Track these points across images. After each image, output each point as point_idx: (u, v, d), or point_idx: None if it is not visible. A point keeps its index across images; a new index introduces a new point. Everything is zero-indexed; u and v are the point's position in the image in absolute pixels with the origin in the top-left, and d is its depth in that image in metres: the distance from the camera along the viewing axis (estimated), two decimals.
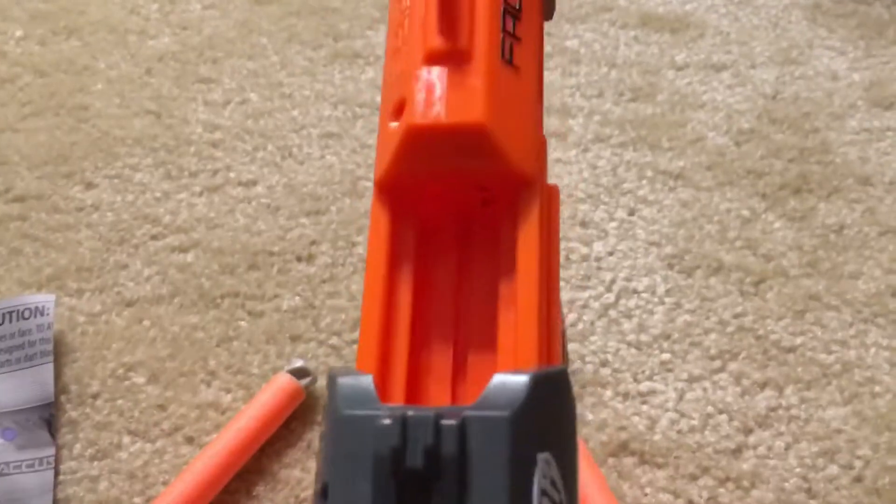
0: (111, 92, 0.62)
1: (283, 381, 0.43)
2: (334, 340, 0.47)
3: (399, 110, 0.21)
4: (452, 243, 0.22)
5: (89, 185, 0.55)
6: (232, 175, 0.56)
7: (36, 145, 0.58)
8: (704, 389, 0.45)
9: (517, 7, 0.21)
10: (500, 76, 0.21)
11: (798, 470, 0.42)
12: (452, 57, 0.20)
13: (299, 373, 0.44)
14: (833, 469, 0.42)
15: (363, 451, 0.16)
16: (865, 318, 0.48)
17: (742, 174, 0.56)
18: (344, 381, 0.17)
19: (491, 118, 0.20)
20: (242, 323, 0.48)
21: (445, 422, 0.16)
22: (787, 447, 0.43)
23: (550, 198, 0.21)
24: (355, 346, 0.47)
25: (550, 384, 0.17)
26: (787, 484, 0.42)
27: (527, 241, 0.20)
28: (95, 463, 0.43)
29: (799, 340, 0.47)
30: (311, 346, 0.47)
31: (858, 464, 0.42)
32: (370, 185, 0.55)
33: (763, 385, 0.45)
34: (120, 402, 0.45)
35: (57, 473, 0.42)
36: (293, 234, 0.52)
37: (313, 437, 0.43)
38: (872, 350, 0.47)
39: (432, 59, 0.20)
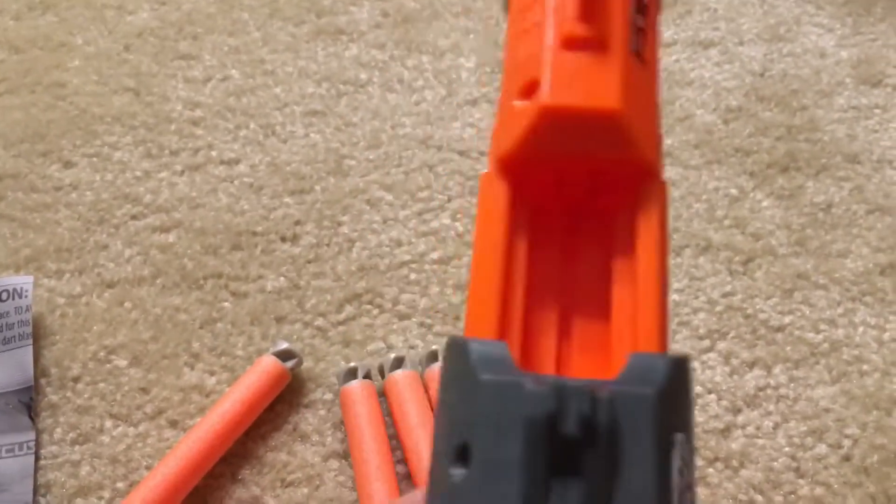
0: (89, 68, 0.60)
1: (268, 364, 0.43)
2: (320, 322, 0.46)
3: (529, 91, 0.21)
4: (559, 227, 0.23)
5: (67, 164, 0.54)
6: (214, 154, 0.55)
7: (11, 123, 0.56)
8: (693, 369, 0.45)
9: (644, 2, 0.22)
10: (631, 67, 0.21)
11: (787, 449, 0.42)
12: (589, 44, 0.21)
13: (284, 355, 0.43)
14: (821, 448, 0.42)
15: (512, 416, 0.17)
16: (853, 297, 0.48)
17: (730, 152, 0.55)
18: (476, 346, 0.18)
19: (625, 106, 0.20)
20: (226, 304, 0.47)
21: (600, 393, 0.17)
22: (776, 426, 0.43)
23: (665, 192, 0.22)
24: (341, 328, 0.46)
25: (682, 367, 0.18)
26: (775, 463, 0.42)
27: (648, 228, 0.21)
28: (77, 447, 0.42)
29: (787, 319, 0.47)
30: (297, 327, 0.46)
31: (847, 443, 0.42)
32: (355, 163, 0.54)
33: (752, 364, 0.45)
34: (101, 385, 0.44)
35: (37, 458, 0.41)
36: (277, 213, 0.51)
37: (299, 420, 0.43)
38: (860, 329, 0.47)
39: (569, 44, 0.21)
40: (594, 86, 0.20)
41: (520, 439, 0.16)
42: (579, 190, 0.22)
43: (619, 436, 0.17)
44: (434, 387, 0.42)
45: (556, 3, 0.21)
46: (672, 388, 0.17)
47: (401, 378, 0.42)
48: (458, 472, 0.17)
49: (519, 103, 0.21)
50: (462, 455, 0.17)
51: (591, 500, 0.16)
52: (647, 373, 0.17)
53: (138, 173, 0.54)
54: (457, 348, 0.18)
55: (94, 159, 0.54)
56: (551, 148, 0.21)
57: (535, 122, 0.20)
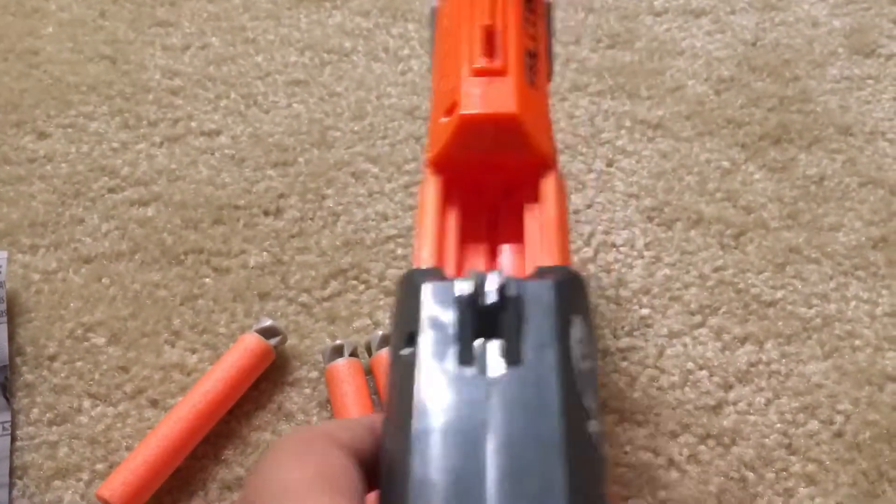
0: (63, 35, 0.58)
1: (251, 341, 0.41)
2: (304, 298, 0.45)
3: (451, 110, 0.28)
4: (484, 219, 0.30)
5: (41, 135, 0.52)
6: (193, 124, 0.53)
7: None
8: (685, 345, 0.44)
9: (534, 52, 0.32)
10: (526, 88, 0.29)
11: (778, 426, 0.42)
12: (492, 72, 0.29)
13: (268, 332, 0.42)
14: (813, 424, 0.42)
15: (444, 299, 0.22)
16: (846, 271, 0.47)
17: (722, 124, 0.54)
18: (417, 271, 0.25)
19: (521, 112, 0.28)
20: (207, 280, 0.46)
21: (510, 276, 0.22)
22: (768, 403, 0.42)
23: (562, 182, 0.30)
24: (326, 304, 0.45)
25: (575, 275, 0.24)
26: (767, 440, 0.41)
27: (548, 196, 0.28)
28: (54, 428, 0.41)
29: (779, 294, 0.46)
30: (280, 303, 0.45)
31: (839, 419, 0.42)
32: (339, 134, 0.53)
33: (743, 340, 0.45)
34: (79, 364, 0.43)
35: (14, 439, 0.40)
36: (259, 186, 0.50)
37: (283, 398, 0.42)
38: (853, 303, 0.46)
39: (477, 73, 0.29)
40: (496, 99, 0.28)
41: (453, 314, 0.22)
42: (496, 192, 0.30)
43: (525, 305, 0.22)
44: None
45: (468, 47, 0.30)
46: (566, 284, 0.23)
47: (388, 356, 0.41)
48: (406, 352, 0.22)
49: (444, 119, 0.29)
50: (410, 340, 0.22)
51: (507, 351, 0.21)
52: (548, 273, 0.23)
53: (115, 145, 0.52)
54: (405, 276, 0.24)
55: (70, 130, 0.53)
56: (469, 147, 0.28)
57: (456, 129, 0.28)
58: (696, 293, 0.46)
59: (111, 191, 0.50)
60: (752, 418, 0.42)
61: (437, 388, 0.21)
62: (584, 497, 0.19)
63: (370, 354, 0.42)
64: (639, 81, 0.56)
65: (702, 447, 0.41)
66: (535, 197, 0.29)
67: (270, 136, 0.53)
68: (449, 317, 0.22)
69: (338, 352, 0.41)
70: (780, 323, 0.45)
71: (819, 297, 0.46)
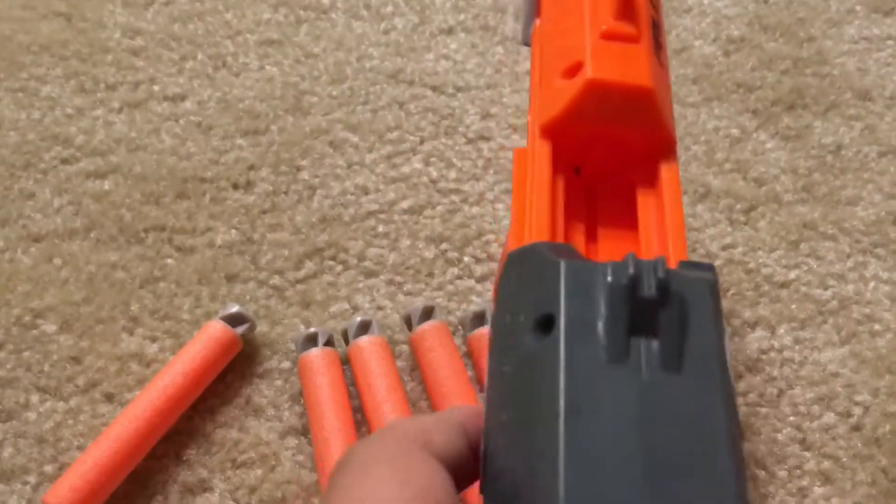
0: None
1: (216, 329, 0.38)
2: (276, 280, 0.41)
3: (573, 72, 0.26)
4: (583, 193, 0.28)
5: None
6: (156, 88, 0.49)
7: None
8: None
9: (657, 22, 0.29)
10: (654, 56, 0.27)
11: (791, 419, 0.38)
12: (625, 38, 0.26)
13: (235, 319, 0.38)
14: (829, 417, 0.38)
15: (596, 284, 0.19)
16: (864, 249, 0.44)
17: (731, 88, 0.50)
18: (546, 246, 0.22)
19: (655, 87, 0.25)
20: (170, 261, 0.42)
21: (670, 267, 0.20)
22: (780, 393, 0.39)
23: (678, 171, 0.28)
24: (300, 287, 0.41)
25: (717, 278, 0.21)
26: (779, 434, 0.38)
27: (670, 180, 0.26)
28: None
29: (793, 274, 0.43)
30: (250, 286, 0.41)
31: (857, 411, 0.39)
32: (317, 100, 0.49)
33: (754, 325, 0.41)
34: (27, 354, 0.39)
35: None
36: (228, 157, 0.46)
37: (252, 391, 0.38)
38: (872, 284, 0.43)
39: (608, 37, 0.26)
40: (630, 68, 0.25)
41: (603, 302, 0.19)
42: (601, 170, 0.27)
43: (686, 305, 0.19)
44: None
45: (594, 6, 0.27)
46: (717, 286, 0.21)
47: (366, 345, 0.37)
48: (539, 338, 0.19)
49: (562, 81, 0.26)
50: (545, 324, 0.19)
51: (666, 353, 0.18)
52: (700, 271, 0.21)
53: (70, 111, 0.48)
54: (529, 252, 0.22)
55: (20, 94, 0.48)
56: (591, 115, 0.25)
57: (581, 93, 0.25)
58: None
59: (64, 162, 0.45)
60: (763, 411, 0.38)
61: (586, 385, 0.18)
62: None
63: (347, 343, 0.38)
64: None
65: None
66: (650, 181, 0.26)
67: (240, 101, 0.48)
68: (598, 305, 0.19)
69: (312, 340, 0.38)
70: (793, 306, 0.42)
71: (835, 278, 0.43)
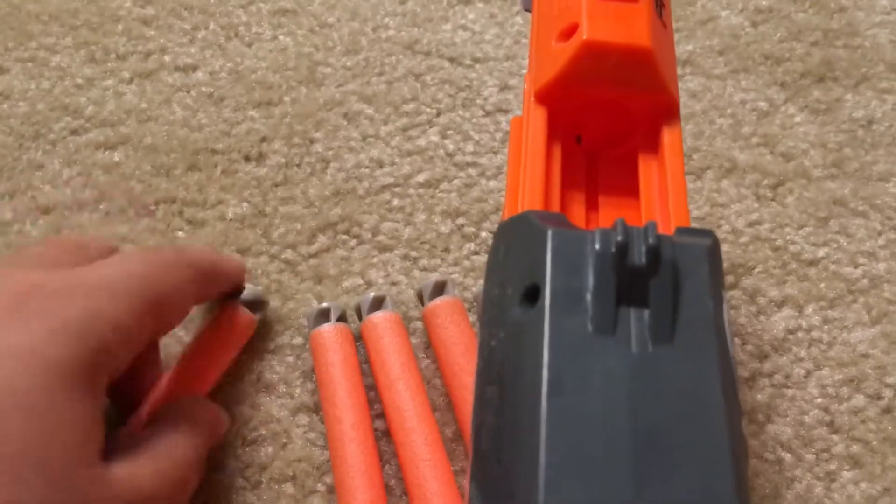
0: None
1: (240, 316, 0.37)
2: (288, 254, 0.40)
3: (568, 33, 0.25)
4: (582, 161, 0.27)
5: None
6: (167, 59, 0.48)
7: None
8: (726, 310, 0.39)
9: None
10: (657, 21, 0.25)
11: (819, 401, 0.37)
12: None
13: (254, 304, 0.37)
14: (859, 399, 0.37)
15: (582, 252, 0.18)
16: None
17: (759, 60, 0.48)
18: (536, 214, 0.20)
19: (654, 47, 0.24)
20: (180, 234, 0.41)
21: (661, 233, 0.19)
22: (808, 375, 0.38)
23: (681, 133, 0.26)
24: (313, 262, 0.40)
25: (717, 243, 0.20)
26: (806, 417, 0.37)
27: (672, 145, 0.25)
28: None
29: (822, 252, 0.41)
30: (262, 260, 0.40)
31: (888, 393, 0.37)
32: (331, 71, 0.47)
33: (781, 304, 0.40)
34: None
35: None
36: (240, 128, 0.45)
37: (263, 368, 0.37)
38: None
39: None
40: (627, 28, 0.24)
41: (590, 271, 0.18)
42: (599, 136, 0.26)
43: (679, 273, 0.18)
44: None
45: None
46: (716, 251, 0.20)
47: (381, 321, 0.36)
48: (525, 310, 0.18)
49: (558, 44, 0.25)
50: (531, 295, 0.18)
51: (657, 324, 0.17)
52: (697, 237, 0.19)
53: (79, 81, 0.47)
54: (518, 219, 0.20)
55: (29, 64, 0.47)
56: (588, 78, 0.24)
57: (576, 55, 0.24)
58: (727, 250, 0.41)
59: (74, 132, 0.44)
60: (789, 392, 0.37)
61: (571, 358, 0.17)
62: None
63: (360, 319, 0.37)
64: None
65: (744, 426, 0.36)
66: (652, 147, 0.25)
67: (253, 72, 0.47)
68: (585, 274, 0.18)
69: (324, 316, 0.37)
70: (822, 284, 0.40)
71: (866, 256, 0.41)
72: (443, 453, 0.33)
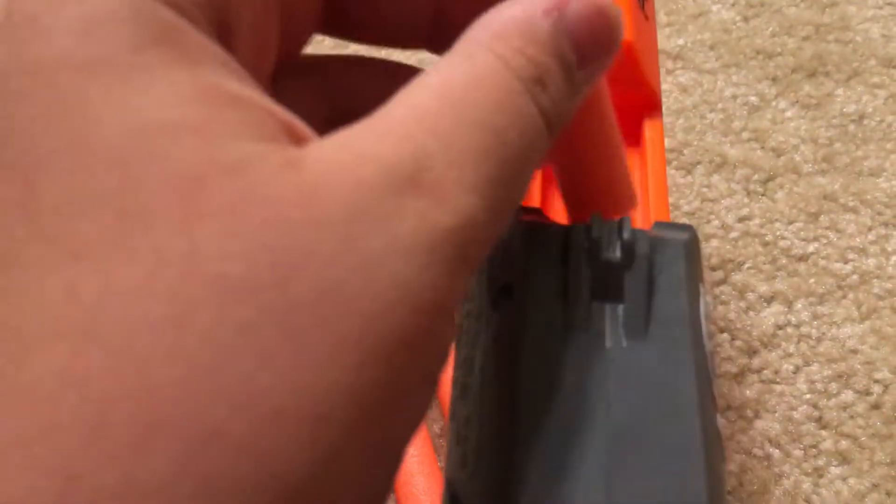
0: None
1: None
2: None
3: None
4: None
5: None
6: None
7: None
8: (704, 304, 0.39)
9: None
10: (638, 14, 0.26)
11: (808, 396, 0.37)
12: None
13: None
14: (848, 395, 0.37)
15: (554, 247, 0.18)
16: (886, 222, 0.42)
17: (750, 54, 0.48)
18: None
19: (636, 41, 0.24)
20: None
21: (639, 227, 0.18)
22: (797, 370, 0.38)
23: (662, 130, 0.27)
24: None
25: (696, 237, 0.20)
26: (795, 412, 0.37)
27: (653, 139, 0.25)
28: None
29: (812, 247, 0.41)
30: None
31: (876, 389, 0.37)
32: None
33: (770, 299, 0.40)
34: None
35: None
36: None
37: None
38: (894, 258, 0.41)
39: None
40: None
41: (564, 265, 0.18)
42: None
43: (654, 267, 0.18)
44: None
45: None
46: (694, 246, 0.19)
47: None
48: (496, 303, 0.18)
49: None
50: (504, 288, 0.18)
51: (631, 318, 0.17)
52: (675, 231, 0.19)
53: None
54: None
55: None
56: None
57: None
58: (717, 246, 0.41)
59: None
60: (778, 388, 0.37)
61: (544, 353, 0.17)
62: None
63: None
64: (657, 6, 0.50)
65: (721, 420, 0.36)
66: (634, 140, 0.26)
67: None
68: (558, 269, 0.18)
69: None
70: (811, 280, 0.40)
71: (856, 251, 0.41)
72: (430, 449, 0.33)
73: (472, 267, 0.13)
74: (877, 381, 0.37)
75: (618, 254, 0.18)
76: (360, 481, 0.11)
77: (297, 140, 0.12)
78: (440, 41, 0.18)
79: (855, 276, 0.40)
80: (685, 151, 0.44)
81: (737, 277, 0.40)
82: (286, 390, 0.10)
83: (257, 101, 0.12)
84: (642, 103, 0.26)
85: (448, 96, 0.13)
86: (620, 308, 0.17)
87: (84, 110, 0.11)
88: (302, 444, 0.10)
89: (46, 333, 0.10)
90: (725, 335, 0.39)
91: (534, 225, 0.19)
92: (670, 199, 0.43)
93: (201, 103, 0.11)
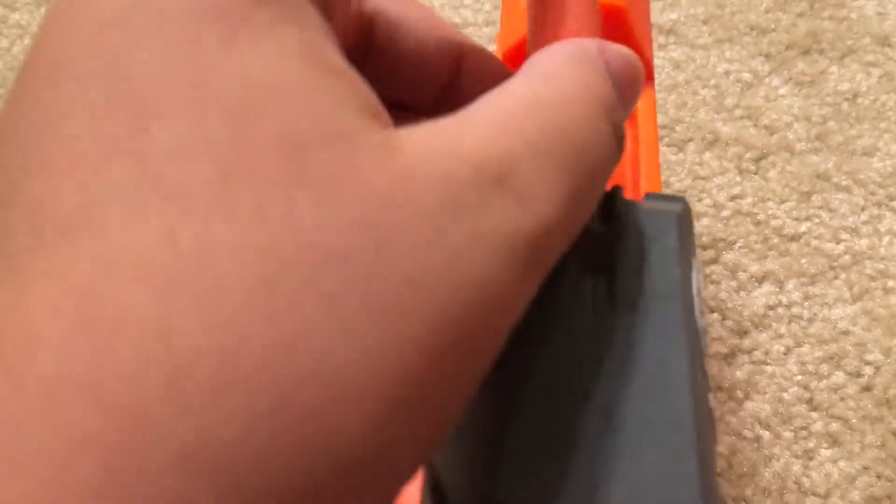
0: None
1: None
2: None
3: None
4: None
5: None
6: None
7: None
8: (697, 278, 0.39)
9: None
10: None
11: (799, 378, 0.36)
12: None
13: None
14: (839, 376, 0.36)
15: None
16: (879, 202, 0.42)
17: (744, 30, 0.47)
18: None
19: (628, 6, 0.25)
20: None
21: (629, 198, 0.18)
22: (788, 351, 0.37)
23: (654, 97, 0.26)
24: None
25: (689, 209, 0.19)
26: (785, 394, 0.36)
27: (645, 109, 0.25)
28: None
29: (804, 227, 0.41)
30: None
31: (867, 370, 0.37)
32: None
33: (761, 279, 0.39)
34: None
35: None
36: None
37: None
38: (886, 238, 0.40)
39: None
40: None
41: None
42: None
43: (646, 239, 0.17)
44: None
45: None
46: (687, 218, 0.19)
47: None
48: None
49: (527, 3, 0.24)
50: None
51: (621, 290, 0.17)
52: (667, 203, 0.19)
53: None
54: None
55: None
56: None
57: None
58: (708, 224, 0.40)
59: None
60: (769, 369, 0.37)
61: (531, 327, 0.16)
62: (712, 488, 0.15)
63: None
64: None
65: (711, 401, 0.36)
66: None
67: None
68: None
69: None
70: (803, 260, 0.40)
71: (849, 231, 0.41)
72: None
73: (542, 274, 0.13)
74: (868, 363, 0.37)
75: (608, 225, 0.17)
76: (404, 468, 0.11)
77: (377, 113, 0.12)
78: (444, 109, 0.17)
79: (847, 257, 0.40)
80: (677, 128, 0.43)
81: (728, 257, 0.39)
82: (362, 367, 0.10)
83: (353, 75, 0.12)
84: None
85: (536, 107, 0.13)
86: (610, 280, 0.17)
87: (200, 58, 0.11)
88: (367, 425, 0.10)
89: (136, 274, 0.10)
90: (716, 315, 0.38)
91: None
92: (661, 177, 0.42)
93: (307, 67, 0.12)
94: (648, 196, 0.19)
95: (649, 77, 0.26)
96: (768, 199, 0.41)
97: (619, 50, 0.16)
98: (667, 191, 0.41)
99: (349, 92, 0.12)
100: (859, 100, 0.45)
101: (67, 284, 0.10)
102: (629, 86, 0.16)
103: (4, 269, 0.10)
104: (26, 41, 0.44)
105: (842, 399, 0.36)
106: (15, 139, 0.11)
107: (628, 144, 0.25)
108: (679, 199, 0.19)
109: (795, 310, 0.38)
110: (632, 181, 0.24)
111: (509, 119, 0.13)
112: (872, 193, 0.42)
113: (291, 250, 0.10)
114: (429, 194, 0.11)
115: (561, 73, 0.14)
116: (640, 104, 0.25)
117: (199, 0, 0.11)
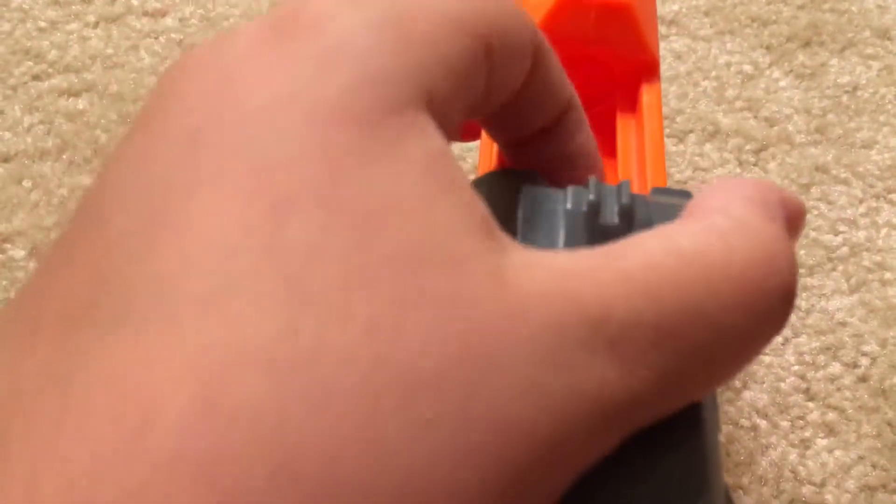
0: None
1: None
2: None
3: None
4: None
5: None
6: (135, 3, 0.46)
7: None
8: None
9: None
10: None
11: (796, 368, 0.37)
12: None
13: None
14: (835, 367, 0.37)
15: (552, 212, 0.17)
16: (878, 194, 0.42)
17: (745, 22, 0.48)
18: (504, 170, 0.20)
19: (635, 3, 0.24)
20: None
21: (637, 193, 0.18)
22: (785, 342, 0.37)
23: (660, 93, 0.26)
24: None
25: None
26: (783, 384, 0.36)
27: (651, 104, 0.24)
28: None
29: None
30: None
31: (864, 361, 0.37)
32: None
33: None
34: None
35: None
36: None
37: None
38: (884, 231, 0.41)
39: None
40: None
41: (562, 230, 0.17)
42: (584, 97, 0.24)
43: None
44: None
45: None
46: None
47: None
48: None
49: (535, 0, 0.24)
50: None
51: None
52: (673, 197, 0.19)
53: (42, 24, 0.45)
54: (489, 177, 0.19)
55: None
56: (564, 36, 0.23)
57: (553, 11, 0.23)
58: None
59: (36, 78, 0.42)
60: (766, 359, 0.37)
61: None
62: (718, 477, 0.16)
63: None
64: None
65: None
66: (630, 106, 0.25)
67: (225, 19, 0.45)
68: (556, 233, 0.17)
69: None
70: (801, 251, 0.40)
71: (847, 223, 0.41)
72: None
73: (624, 434, 0.13)
74: (864, 354, 0.37)
75: (616, 219, 0.17)
76: None
77: (490, 233, 0.13)
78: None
79: (845, 249, 0.40)
80: (678, 119, 0.44)
81: None
82: (440, 490, 0.11)
83: (465, 186, 0.13)
84: (640, 68, 0.25)
85: (691, 274, 0.13)
86: None
87: (335, 165, 0.11)
88: None
89: (259, 365, 0.11)
90: None
91: (529, 187, 0.18)
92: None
93: (427, 183, 0.12)
94: (655, 190, 0.19)
95: (655, 72, 0.26)
96: None
97: (794, 199, 0.15)
98: (667, 181, 0.41)
99: (465, 210, 0.12)
100: (859, 92, 0.45)
101: (194, 365, 0.10)
102: (796, 228, 0.16)
103: (129, 328, 0.11)
104: (28, 25, 0.44)
105: (838, 389, 0.36)
106: (141, 195, 0.12)
107: (633, 138, 0.25)
108: (685, 194, 0.19)
109: None
110: (638, 175, 0.24)
111: (651, 277, 0.13)
112: (871, 186, 0.42)
113: (395, 369, 0.11)
114: (537, 342, 0.11)
115: (740, 214, 0.14)
116: (646, 98, 0.25)
117: (339, 103, 0.12)
